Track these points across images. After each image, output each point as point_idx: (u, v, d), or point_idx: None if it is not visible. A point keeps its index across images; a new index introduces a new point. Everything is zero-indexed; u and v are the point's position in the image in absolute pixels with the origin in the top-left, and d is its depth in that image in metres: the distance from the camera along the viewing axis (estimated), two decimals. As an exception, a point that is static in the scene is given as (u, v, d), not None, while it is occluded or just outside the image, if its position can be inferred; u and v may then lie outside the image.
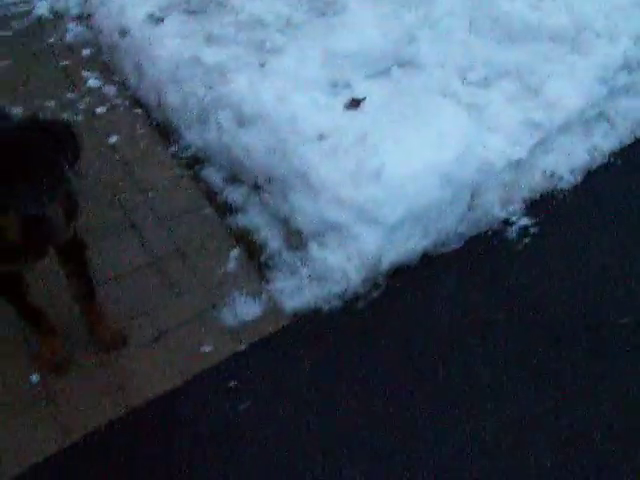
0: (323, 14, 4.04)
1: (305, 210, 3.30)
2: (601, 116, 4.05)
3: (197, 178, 3.70)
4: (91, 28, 4.45)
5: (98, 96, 4.11)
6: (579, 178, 3.82)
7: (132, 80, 4.12)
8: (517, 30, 4.03)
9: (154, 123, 3.97)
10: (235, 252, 3.37)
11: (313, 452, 2.76)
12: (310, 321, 3.15)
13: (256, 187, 3.53)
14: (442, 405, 2.91)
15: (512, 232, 3.53)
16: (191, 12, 4.16)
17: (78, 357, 2.99)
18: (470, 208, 3.50)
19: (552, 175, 3.77)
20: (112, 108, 4.05)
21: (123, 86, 4.17)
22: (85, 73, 4.23)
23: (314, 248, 3.24)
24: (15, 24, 4.53)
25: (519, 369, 3.02)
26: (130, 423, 2.81)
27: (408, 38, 3.93)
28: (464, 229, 3.47)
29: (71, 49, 4.39)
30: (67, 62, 4.31)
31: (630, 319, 3.19)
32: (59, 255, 2.75)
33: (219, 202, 3.59)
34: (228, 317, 3.14)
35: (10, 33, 4.47)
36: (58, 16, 4.59)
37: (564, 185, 3.77)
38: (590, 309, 3.25)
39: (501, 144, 3.58)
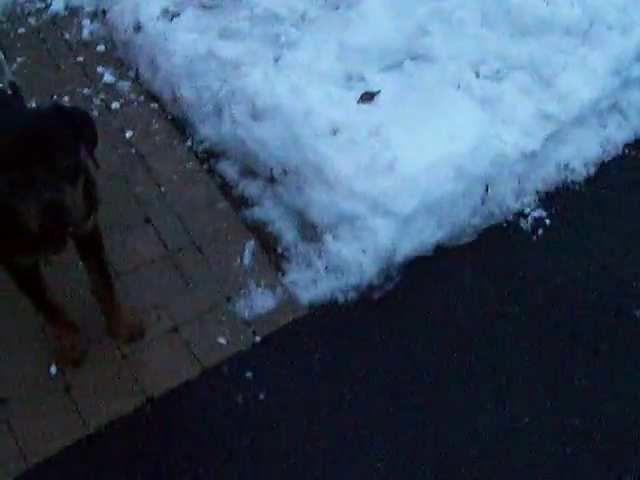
0: (337, 8, 4.04)
1: (320, 203, 3.31)
2: (614, 108, 4.04)
3: (212, 172, 3.72)
4: (106, 24, 4.46)
5: (113, 91, 4.13)
6: (593, 170, 3.81)
7: (147, 75, 4.13)
8: (529, 23, 4.02)
9: (169, 117, 3.99)
10: (250, 245, 3.39)
11: (328, 443, 2.78)
12: (326, 313, 3.17)
13: (271, 180, 3.55)
14: (455, 397, 2.93)
15: (526, 224, 3.53)
16: (206, 7, 4.17)
17: (95, 349, 3.03)
18: (484, 200, 3.51)
19: (566, 167, 3.77)
20: (127, 103, 4.07)
21: (138, 81, 4.19)
22: (100, 69, 4.25)
23: (329, 240, 3.26)
24: (31, 21, 4.56)
25: (533, 362, 3.04)
26: (147, 414, 2.85)
27: (421, 32, 3.93)
28: (478, 221, 3.48)
29: (86, 45, 4.41)
30: (82, 58, 4.33)
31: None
32: (78, 248, 2.77)
33: (234, 195, 3.61)
34: (244, 309, 3.17)
35: (26, 30, 4.50)
36: (73, 13, 4.60)
37: (578, 177, 3.77)
38: (606, 301, 3.26)
39: (514, 136, 3.58)
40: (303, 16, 4.01)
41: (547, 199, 3.66)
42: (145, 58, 4.15)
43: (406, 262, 3.33)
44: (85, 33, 4.48)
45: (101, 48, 4.40)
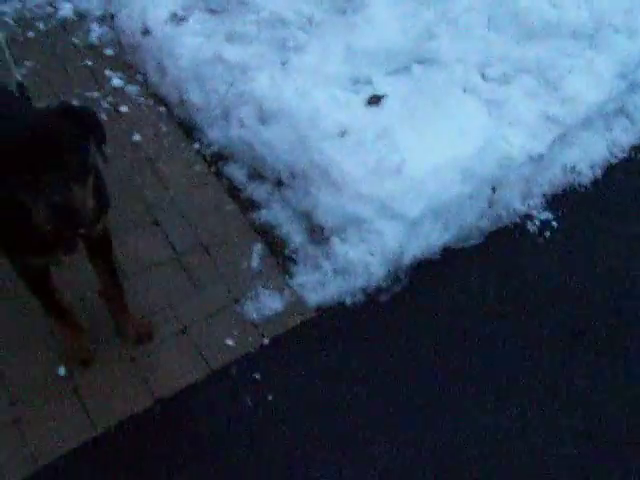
0: (343, 12, 4.06)
1: (327, 205, 3.33)
2: (620, 111, 4.06)
3: (220, 174, 3.73)
4: (114, 28, 4.49)
5: (121, 95, 4.15)
6: (599, 172, 3.83)
7: (155, 79, 4.16)
8: (536, 26, 4.04)
9: (177, 121, 4.01)
10: (258, 247, 3.41)
11: (334, 444, 2.79)
12: (333, 315, 3.19)
13: (278, 183, 3.57)
14: (460, 397, 2.94)
15: (533, 226, 3.55)
16: (213, 11, 4.20)
17: (104, 350, 3.04)
18: (490, 203, 3.52)
19: (572, 170, 3.79)
20: (135, 106, 4.09)
21: (146, 85, 4.21)
22: (108, 72, 4.27)
23: (337, 243, 3.27)
24: (40, 25, 4.58)
25: (535, 363, 3.04)
26: (156, 415, 2.86)
27: (428, 35, 3.95)
28: (485, 223, 3.50)
29: (94, 49, 4.43)
30: (90, 62, 4.35)
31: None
32: (88, 250, 2.78)
33: (242, 198, 3.63)
34: (252, 311, 3.18)
35: (35, 34, 4.52)
36: (81, 17, 4.63)
37: (584, 179, 3.78)
38: (611, 303, 3.26)
39: (521, 139, 3.59)
40: (310, 20, 4.03)
41: (554, 201, 3.67)
42: (153, 62, 4.17)
43: (413, 264, 3.34)
44: (93, 37, 4.51)
45: (109, 52, 4.42)
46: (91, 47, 4.46)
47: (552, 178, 3.73)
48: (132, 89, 4.19)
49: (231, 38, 3.99)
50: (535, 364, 3.04)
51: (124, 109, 4.06)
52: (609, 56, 3.97)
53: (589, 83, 3.85)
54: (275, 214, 3.52)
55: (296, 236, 3.43)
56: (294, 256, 3.38)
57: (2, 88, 2.79)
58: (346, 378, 2.98)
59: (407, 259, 3.31)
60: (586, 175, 3.80)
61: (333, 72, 3.77)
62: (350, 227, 3.29)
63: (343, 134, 3.47)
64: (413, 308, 3.22)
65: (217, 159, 3.80)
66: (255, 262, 3.36)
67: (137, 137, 3.91)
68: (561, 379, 2.99)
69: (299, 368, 3.01)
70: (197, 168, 3.76)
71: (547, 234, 3.52)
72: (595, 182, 3.79)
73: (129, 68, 4.33)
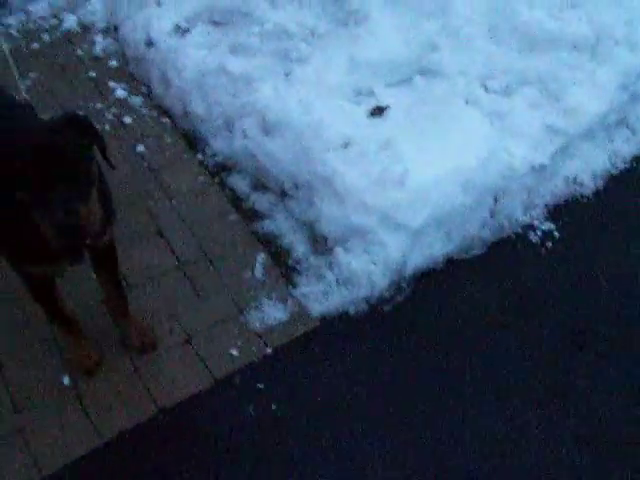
0: (346, 24, 4.09)
1: (330, 216, 3.34)
2: (622, 122, 4.07)
3: (223, 185, 3.75)
4: (118, 40, 4.53)
5: (125, 106, 4.18)
6: (601, 183, 3.84)
7: (158, 90, 4.18)
8: (537, 38, 4.06)
9: (181, 132, 4.03)
10: (262, 257, 3.42)
11: (338, 454, 2.79)
12: (337, 325, 3.20)
13: (282, 194, 3.58)
14: (463, 407, 2.94)
15: (535, 237, 3.56)
16: (217, 23, 4.23)
17: (108, 360, 3.05)
18: (493, 213, 3.54)
19: (574, 180, 3.80)
20: (139, 117, 4.12)
21: (149, 96, 4.24)
22: (112, 84, 4.30)
23: (340, 253, 3.28)
24: (44, 37, 4.62)
25: (537, 373, 3.05)
26: (159, 424, 2.87)
27: (430, 46, 3.97)
28: (487, 234, 3.51)
29: (98, 61, 4.47)
30: (95, 73, 4.38)
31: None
32: (93, 261, 2.79)
33: (245, 208, 3.64)
34: (255, 321, 3.19)
35: (40, 46, 4.56)
36: (86, 29, 4.67)
37: (586, 190, 3.79)
38: (613, 314, 3.27)
39: (523, 150, 3.61)
40: (313, 32, 4.06)
41: (556, 212, 3.68)
42: (157, 73, 4.20)
43: (416, 274, 3.35)
44: (97, 49, 4.55)
45: (113, 63, 4.46)
46: (95, 59, 4.50)
47: (554, 189, 3.75)
48: (136, 100, 4.22)
49: (235, 50, 4.02)
50: (536, 373, 3.04)
51: (128, 120, 4.09)
52: (610, 68, 3.99)
53: (591, 94, 3.86)
54: (278, 224, 3.53)
55: (299, 246, 3.44)
56: (297, 266, 3.39)
57: (8, 97, 2.81)
58: (349, 388, 2.99)
59: (410, 269, 3.32)
60: (588, 186, 3.81)
61: (336, 83, 3.80)
62: (353, 237, 3.30)
63: (346, 145, 3.49)
64: (416, 318, 3.23)
65: (221, 170, 3.83)
66: (259, 272, 3.37)
67: (141, 148, 3.93)
68: (562, 387, 2.99)
69: (302, 378, 3.02)
70: (201, 179, 3.78)
71: (549, 244, 3.53)
72: (596, 193, 3.80)
73: (133, 79, 4.36)
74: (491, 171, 3.48)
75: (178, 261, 3.42)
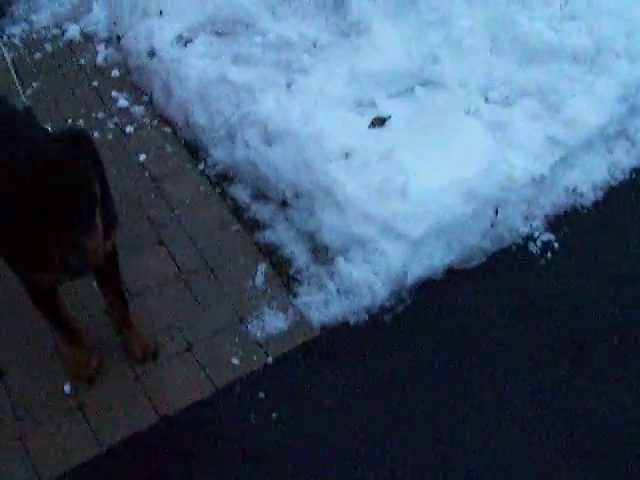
0: (348, 35, 4.11)
1: (331, 226, 3.36)
2: (621, 134, 4.08)
3: (225, 195, 3.77)
4: (120, 50, 4.55)
5: (127, 116, 4.20)
6: (600, 194, 3.85)
7: (160, 100, 4.20)
8: (537, 50, 4.08)
9: (182, 141, 4.05)
10: (263, 267, 3.43)
11: (339, 462, 2.80)
12: (337, 334, 3.20)
13: (283, 203, 3.60)
14: (464, 417, 2.95)
15: (535, 247, 3.56)
16: (219, 33, 4.25)
17: (109, 367, 3.06)
18: (493, 224, 3.55)
19: (574, 191, 3.81)
20: (141, 127, 4.14)
21: (151, 106, 4.26)
22: (115, 93, 4.32)
23: (341, 263, 3.29)
24: (47, 46, 4.65)
25: (537, 384, 3.06)
26: (160, 432, 2.87)
27: (431, 58, 3.99)
28: (487, 244, 3.52)
29: (101, 70, 4.49)
30: (97, 83, 4.41)
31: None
32: (95, 272, 2.80)
33: (246, 218, 3.66)
34: (256, 330, 3.20)
35: (42, 55, 4.59)
36: (88, 39, 4.70)
37: (586, 201, 3.80)
38: (614, 325, 3.28)
39: (523, 161, 3.62)
40: (315, 43, 4.08)
41: (555, 223, 3.69)
42: (159, 83, 4.22)
43: (417, 284, 3.36)
44: (100, 59, 4.57)
45: (115, 73, 4.48)
46: (98, 68, 4.53)
47: (554, 199, 3.76)
48: (138, 110, 4.23)
49: (237, 60, 4.04)
50: (538, 383, 3.05)
51: (130, 130, 4.11)
52: (610, 79, 4.00)
53: (590, 106, 3.88)
54: (280, 234, 3.55)
55: (300, 256, 3.45)
56: (298, 276, 3.40)
57: (10, 108, 2.82)
58: (349, 397, 2.99)
59: (411, 279, 3.33)
60: (587, 197, 3.82)
61: (338, 94, 3.82)
62: (354, 247, 3.32)
63: (347, 155, 3.51)
64: (416, 328, 3.24)
65: (222, 179, 3.84)
66: (260, 281, 3.38)
67: (143, 157, 3.95)
68: (564, 396, 3.00)
69: (303, 387, 3.02)
70: (202, 188, 3.80)
71: (549, 255, 3.54)
72: (596, 203, 3.81)
73: (135, 89, 4.38)
74: (491, 182, 3.49)
75: (179, 270, 3.43)
